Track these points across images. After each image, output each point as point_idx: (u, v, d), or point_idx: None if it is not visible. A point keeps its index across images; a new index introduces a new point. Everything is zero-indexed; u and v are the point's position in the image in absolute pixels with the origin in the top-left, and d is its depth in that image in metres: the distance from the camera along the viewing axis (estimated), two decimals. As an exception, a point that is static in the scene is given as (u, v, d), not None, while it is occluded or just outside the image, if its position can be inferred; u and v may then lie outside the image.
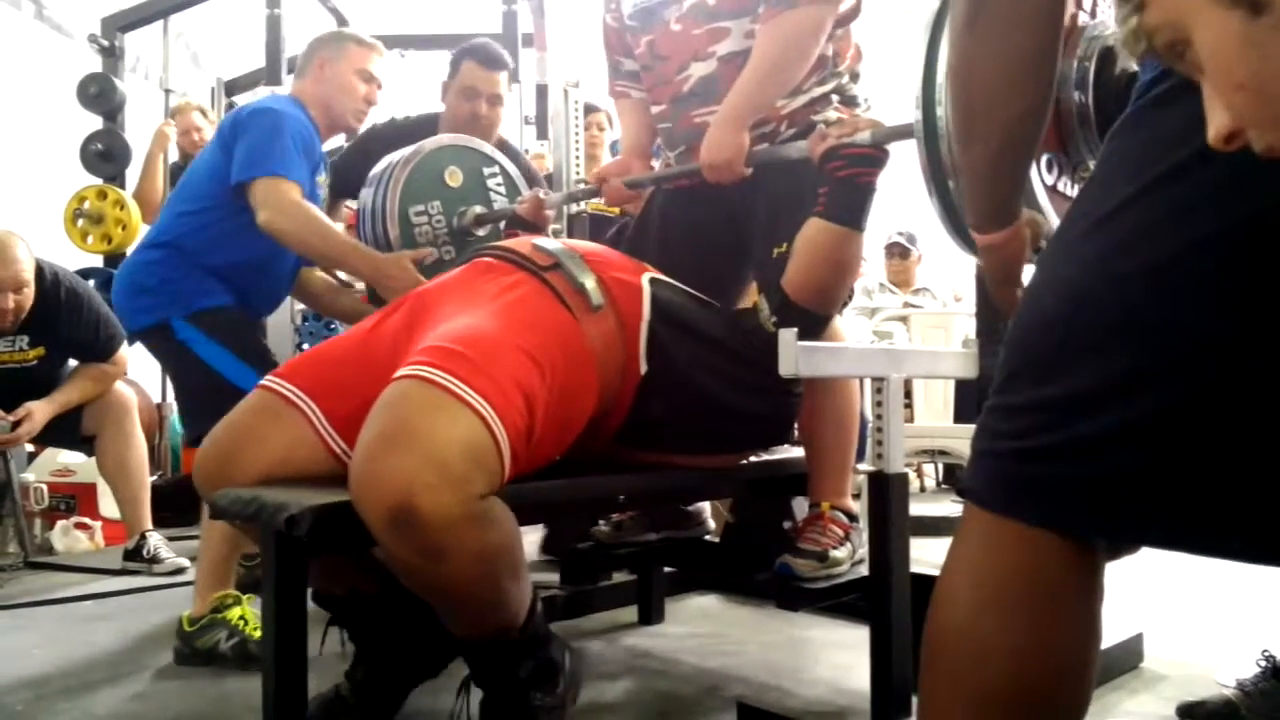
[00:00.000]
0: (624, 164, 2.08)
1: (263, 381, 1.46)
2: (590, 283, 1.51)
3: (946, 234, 1.41)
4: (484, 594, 1.26)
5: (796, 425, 1.82)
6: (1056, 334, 0.76)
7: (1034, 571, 0.77)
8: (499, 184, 2.33)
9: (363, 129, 2.70)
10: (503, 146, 2.65)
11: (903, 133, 1.48)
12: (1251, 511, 0.69)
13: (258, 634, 1.94)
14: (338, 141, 2.93)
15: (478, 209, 2.25)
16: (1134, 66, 1.15)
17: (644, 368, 1.52)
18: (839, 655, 2.02)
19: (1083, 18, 1.22)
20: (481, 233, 2.25)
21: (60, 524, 3.33)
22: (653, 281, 1.60)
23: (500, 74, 2.59)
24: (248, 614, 1.99)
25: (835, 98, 1.86)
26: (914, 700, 0.88)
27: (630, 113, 2.12)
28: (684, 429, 1.59)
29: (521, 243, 1.64)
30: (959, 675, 0.80)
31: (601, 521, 2.12)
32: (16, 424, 2.87)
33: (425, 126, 2.62)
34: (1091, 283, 0.74)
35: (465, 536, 1.16)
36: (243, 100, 4.88)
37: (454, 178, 2.27)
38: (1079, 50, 1.18)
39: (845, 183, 1.55)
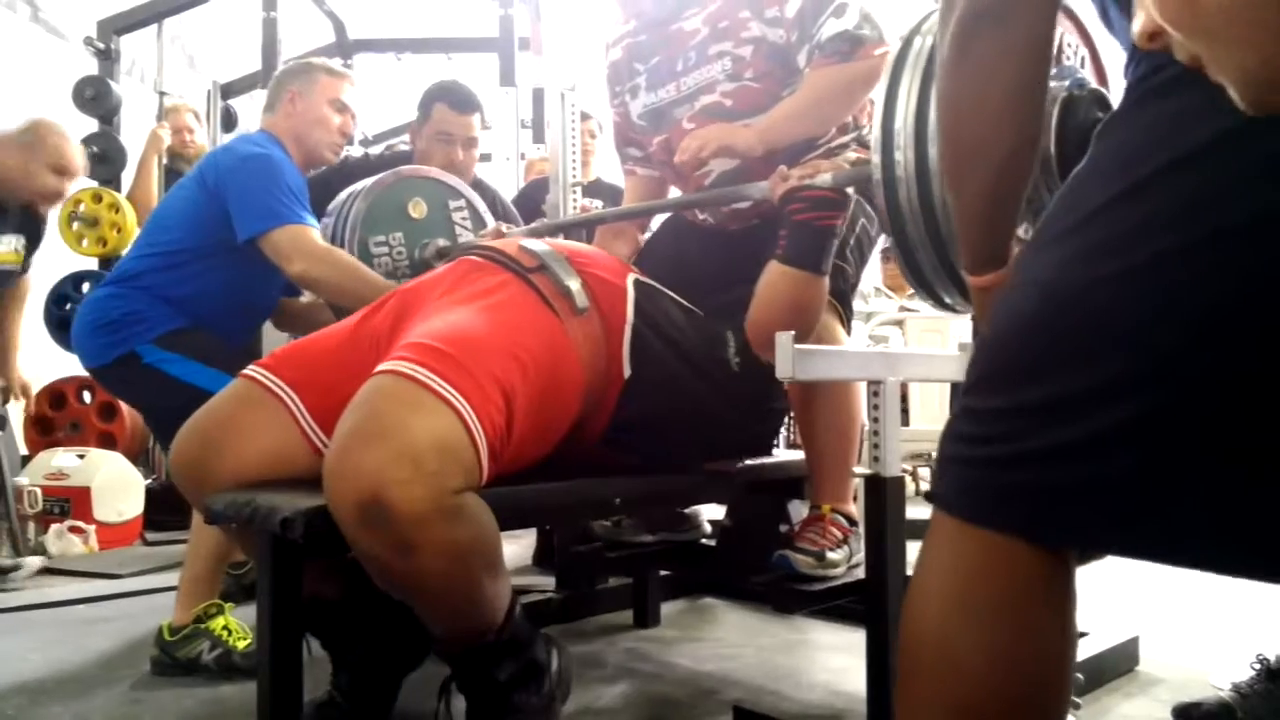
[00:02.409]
0: (616, 228, 2.13)
1: (246, 371, 1.45)
2: (575, 285, 1.51)
3: (906, 280, 1.39)
4: (458, 592, 1.24)
5: (796, 428, 1.83)
6: (1030, 339, 0.75)
7: (1006, 579, 0.76)
8: (464, 218, 2.29)
9: (337, 161, 2.64)
10: (477, 186, 2.59)
11: (863, 175, 1.46)
12: (1233, 522, 0.68)
13: (241, 644, 1.93)
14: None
15: (440, 242, 2.21)
16: (1098, 114, 1.13)
17: (627, 371, 1.51)
18: (835, 659, 2.02)
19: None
20: (442, 266, 2.22)
21: (54, 528, 3.31)
22: (637, 285, 1.59)
23: (473, 116, 2.52)
24: (231, 624, 1.96)
25: (854, 143, 1.87)
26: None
27: (632, 186, 2.19)
28: (665, 435, 1.58)
29: (507, 243, 1.63)
30: (935, 688, 0.78)
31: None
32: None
33: (396, 165, 2.51)
34: (1068, 286, 0.72)
35: (437, 532, 1.16)
36: (238, 103, 4.88)
37: (417, 209, 2.23)
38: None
39: (803, 226, 1.54)
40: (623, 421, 1.53)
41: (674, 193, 2.15)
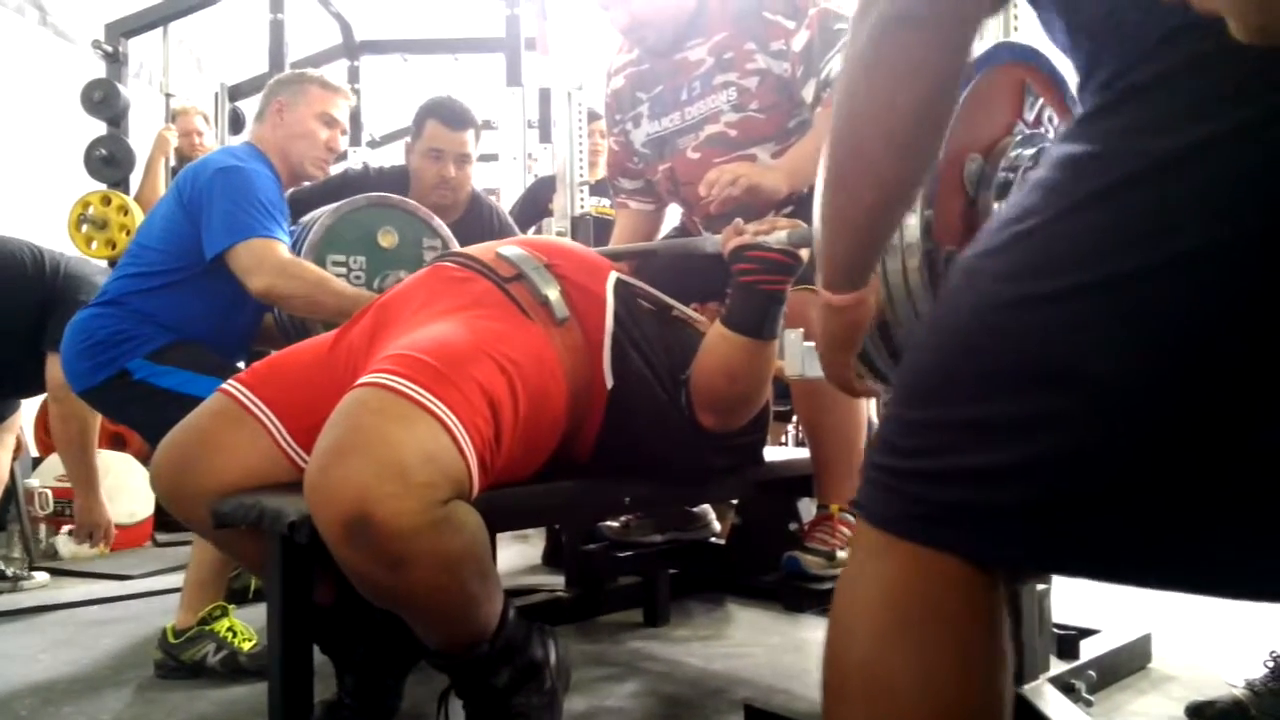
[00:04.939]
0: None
1: (224, 386, 1.44)
2: (554, 294, 1.47)
3: None
4: (450, 602, 1.22)
5: (801, 428, 1.82)
6: (959, 353, 0.72)
7: (936, 596, 0.73)
8: (435, 258, 2.26)
9: (336, 172, 2.61)
10: (475, 200, 2.60)
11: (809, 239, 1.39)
12: (1168, 547, 0.66)
13: (247, 646, 1.92)
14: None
15: (401, 274, 2.14)
16: None
17: (610, 382, 1.48)
18: (845, 657, 2.01)
19: (1019, 127, 1.16)
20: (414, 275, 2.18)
21: (65, 529, 3.33)
22: (617, 287, 1.54)
23: (466, 132, 2.48)
24: (236, 626, 1.95)
25: None
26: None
27: (624, 219, 2.19)
28: (652, 447, 1.54)
29: (484, 250, 1.58)
30: (866, 711, 0.74)
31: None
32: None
33: (398, 180, 2.54)
34: (999, 302, 0.69)
35: (428, 544, 1.13)
36: (245, 105, 4.90)
37: (388, 239, 2.20)
38: (1004, 160, 1.12)
39: (747, 289, 1.47)
40: (610, 433, 1.50)
41: (669, 220, 2.16)
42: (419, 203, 2.40)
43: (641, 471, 1.57)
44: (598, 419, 1.50)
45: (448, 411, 1.18)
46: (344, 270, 2.18)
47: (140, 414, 2.08)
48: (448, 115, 2.47)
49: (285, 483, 1.37)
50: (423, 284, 1.54)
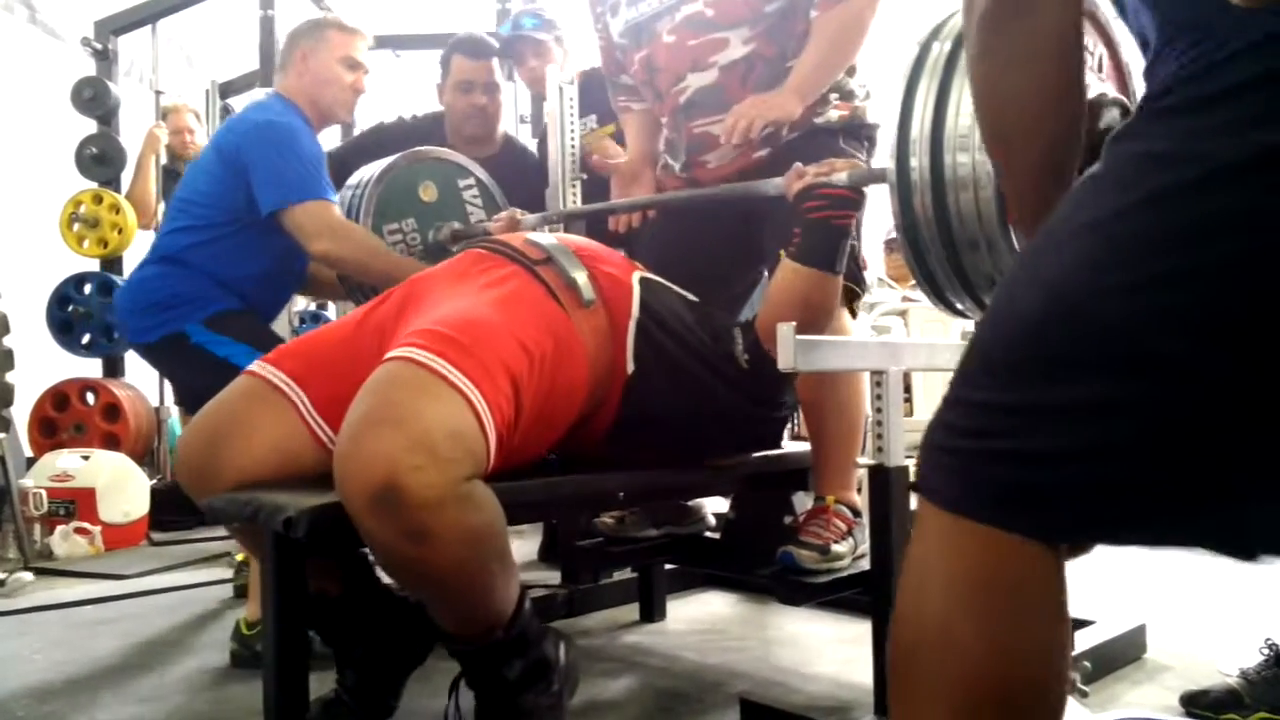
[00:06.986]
0: (633, 167, 2.11)
1: (250, 366, 1.45)
2: (582, 278, 1.50)
3: (921, 290, 1.42)
4: (470, 580, 1.24)
5: (801, 419, 1.82)
6: (1036, 339, 0.74)
7: (1000, 570, 0.76)
8: (474, 195, 2.32)
9: (371, 125, 2.71)
10: (509, 141, 2.69)
11: (879, 177, 1.47)
12: (1232, 512, 0.69)
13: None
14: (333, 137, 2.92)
15: (454, 225, 2.24)
16: (1115, 117, 1.11)
17: (630, 367, 1.50)
18: (841, 650, 2.02)
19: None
20: (457, 249, 2.22)
21: (60, 529, 3.32)
22: (643, 281, 1.59)
23: (491, 60, 2.62)
24: None
25: (834, 96, 1.87)
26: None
27: (633, 124, 2.16)
28: (669, 431, 1.56)
29: (515, 236, 1.63)
30: (938, 666, 0.77)
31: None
32: None
33: (434, 126, 2.64)
34: (1073, 290, 0.71)
35: (451, 517, 1.15)
36: (237, 102, 4.87)
37: (428, 192, 2.25)
38: None
39: (819, 224, 1.55)
40: (627, 418, 1.52)
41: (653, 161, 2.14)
42: (454, 137, 2.52)
43: (657, 453, 1.60)
44: (614, 403, 1.52)
45: (474, 389, 1.20)
46: (399, 236, 2.23)
47: (188, 376, 2.15)
48: (470, 48, 2.62)
49: (309, 463, 1.37)
50: (453, 266, 1.58)
